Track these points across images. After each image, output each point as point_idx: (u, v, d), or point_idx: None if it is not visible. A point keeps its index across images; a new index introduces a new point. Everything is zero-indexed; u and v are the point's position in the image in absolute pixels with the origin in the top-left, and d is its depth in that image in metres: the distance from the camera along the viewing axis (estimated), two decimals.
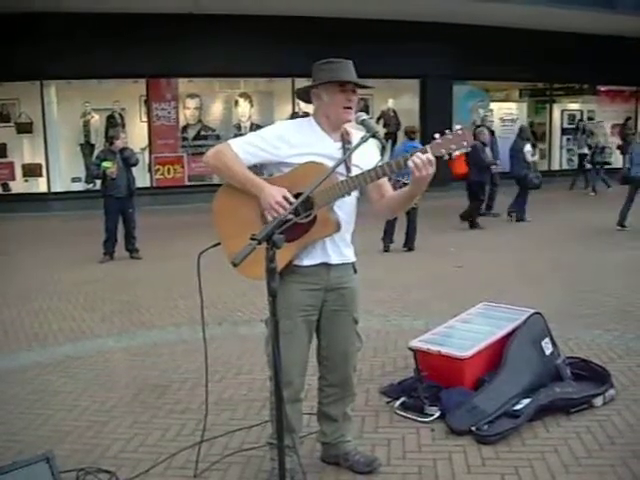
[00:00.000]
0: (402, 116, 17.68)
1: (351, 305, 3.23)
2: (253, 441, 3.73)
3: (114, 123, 15.14)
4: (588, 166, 16.76)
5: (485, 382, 4.08)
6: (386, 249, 9.54)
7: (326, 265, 3.09)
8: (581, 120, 19.09)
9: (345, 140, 3.07)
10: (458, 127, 2.81)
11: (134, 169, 9.45)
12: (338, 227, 3.01)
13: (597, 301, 6.54)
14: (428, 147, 2.78)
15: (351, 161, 3.02)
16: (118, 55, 13.81)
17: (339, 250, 3.12)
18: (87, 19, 13.56)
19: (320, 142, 3.04)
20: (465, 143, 2.77)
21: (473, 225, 11.44)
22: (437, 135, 2.79)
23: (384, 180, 3.07)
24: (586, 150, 16.86)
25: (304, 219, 2.91)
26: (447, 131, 2.79)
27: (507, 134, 18.82)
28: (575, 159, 18.73)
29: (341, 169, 2.96)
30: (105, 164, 8.94)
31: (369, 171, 2.88)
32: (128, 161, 9.17)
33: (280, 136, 3.03)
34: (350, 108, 3.01)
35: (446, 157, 2.79)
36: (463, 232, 11.14)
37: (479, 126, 12.97)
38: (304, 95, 3.15)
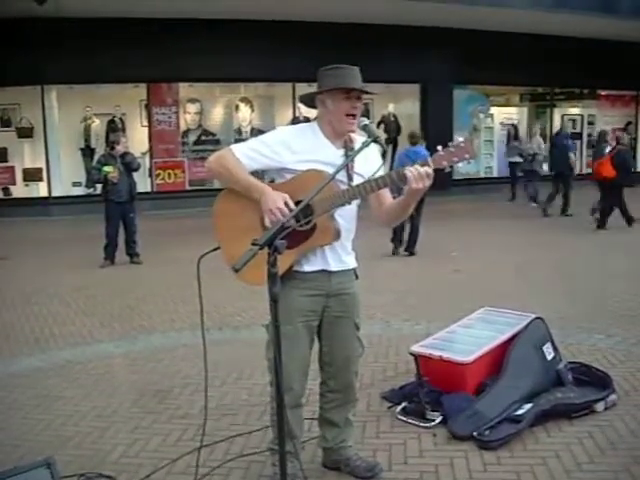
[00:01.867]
0: (403, 121, 17.69)
1: (353, 311, 3.22)
2: (254, 446, 3.73)
3: (115, 128, 15.15)
4: (520, 174, 15.66)
5: (487, 387, 4.08)
6: (395, 252, 9.56)
7: (326, 272, 3.09)
8: (512, 125, 17.79)
9: (348, 147, 3.05)
10: (461, 139, 2.79)
11: (135, 174, 9.45)
12: (338, 235, 3.01)
13: (598, 306, 6.53)
14: (430, 159, 2.77)
15: (353, 169, 3.01)
16: (119, 60, 13.82)
17: (339, 257, 3.11)
18: (88, 24, 13.57)
19: (323, 149, 3.03)
20: (467, 155, 2.75)
21: (602, 225, 11.51)
22: (440, 147, 2.78)
23: (384, 189, 3.06)
24: (518, 158, 15.63)
25: (304, 226, 2.90)
26: (450, 143, 2.78)
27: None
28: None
29: (343, 177, 2.96)
30: (106, 169, 8.94)
31: (370, 181, 2.86)
32: (130, 166, 9.18)
33: (282, 142, 3.02)
34: (354, 116, 2.98)
35: (447, 169, 2.79)
36: (461, 236, 11.13)
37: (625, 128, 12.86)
38: (308, 100, 3.14)
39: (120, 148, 9.13)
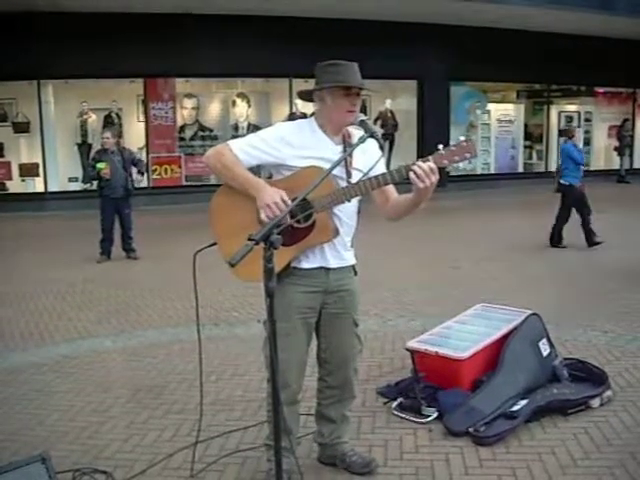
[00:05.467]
0: (400, 117, 17.69)
1: (351, 307, 3.22)
2: (250, 442, 3.73)
3: (111, 123, 15.11)
4: None
5: (482, 383, 4.08)
6: (556, 244, 9.56)
7: (325, 269, 3.08)
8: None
9: (347, 143, 3.04)
10: (462, 138, 2.77)
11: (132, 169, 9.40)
12: (336, 233, 3.00)
13: (594, 302, 6.54)
14: (431, 158, 2.75)
15: (352, 165, 3.00)
16: (115, 55, 13.78)
17: (338, 254, 3.10)
18: (84, 19, 13.53)
19: (321, 145, 3.01)
20: (468, 155, 2.73)
21: None
22: (440, 146, 2.76)
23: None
24: None
25: (302, 224, 2.89)
26: (452, 142, 2.77)
27: (504, 135, 18.91)
28: None
29: (341, 173, 2.95)
30: (99, 165, 8.92)
31: (370, 179, 2.85)
32: (136, 166, 9.19)
33: (281, 138, 3.00)
34: (353, 112, 2.98)
35: (449, 168, 2.78)
36: (458, 232, 11.13)
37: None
38: (307, 96, 3.13)
39: (105, 143, 9.07)
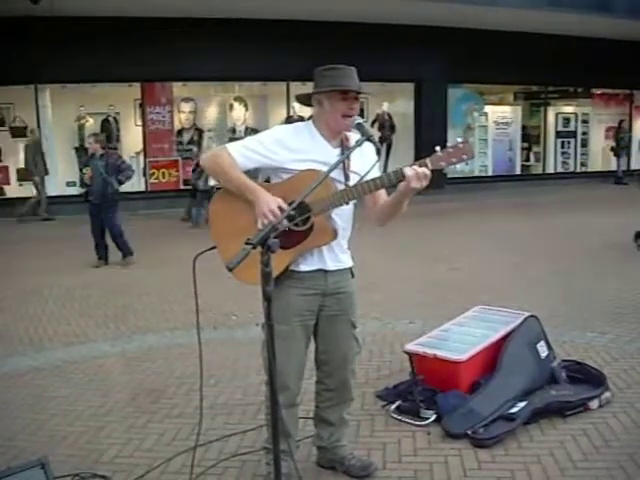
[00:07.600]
0: (397, 119, 17.70)
1: (349, 309, 3.23)
2: (248, 445, 3.73)
3: (108, 127, 15.10)
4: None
5: (481, 385, 4.09)
6: None
7: (323, 271, 3.09)
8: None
9: (345, 146, 3.05)
10: (459, 140, 2.79)
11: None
12: (335, 235, 3.01)
13: (592, 304, 6.55)
14: (428, 160, 2.77)
15: (349, 168, 3.01)
16: (113, 59, 13.78)
17: (335, 256, 3.12)
18: (82, 23, 13.52)
19: (319, 148, 3.02)
20: (465, 156, 2.76)
21: None
22: (438, 148, 2.78)
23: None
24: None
25: (301, 227, 2.90)
26: (448, 144, 2.78)
27: (501, 137, 18.93)
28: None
29: (339, 176, 2.96)
30: (84, 170, 8.97)
31: (368, 182, 2.86)
32: (118, 170, 8.99)
33: (279, 141, 3.01)
34: (351, 117, 2.98)
35: (445, 169, 2.79)
36: (456, 234, 11.13)
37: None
38: (305, 99, 3.14)
39: (91, 147, 9.05)
